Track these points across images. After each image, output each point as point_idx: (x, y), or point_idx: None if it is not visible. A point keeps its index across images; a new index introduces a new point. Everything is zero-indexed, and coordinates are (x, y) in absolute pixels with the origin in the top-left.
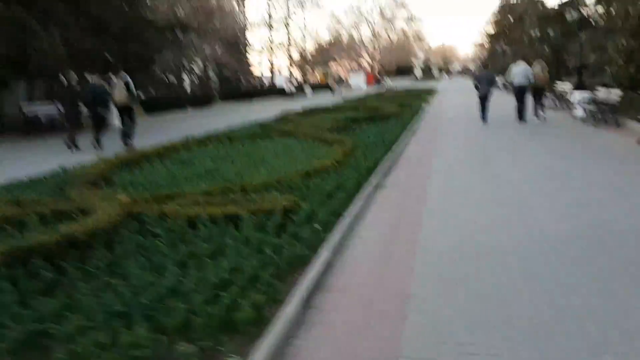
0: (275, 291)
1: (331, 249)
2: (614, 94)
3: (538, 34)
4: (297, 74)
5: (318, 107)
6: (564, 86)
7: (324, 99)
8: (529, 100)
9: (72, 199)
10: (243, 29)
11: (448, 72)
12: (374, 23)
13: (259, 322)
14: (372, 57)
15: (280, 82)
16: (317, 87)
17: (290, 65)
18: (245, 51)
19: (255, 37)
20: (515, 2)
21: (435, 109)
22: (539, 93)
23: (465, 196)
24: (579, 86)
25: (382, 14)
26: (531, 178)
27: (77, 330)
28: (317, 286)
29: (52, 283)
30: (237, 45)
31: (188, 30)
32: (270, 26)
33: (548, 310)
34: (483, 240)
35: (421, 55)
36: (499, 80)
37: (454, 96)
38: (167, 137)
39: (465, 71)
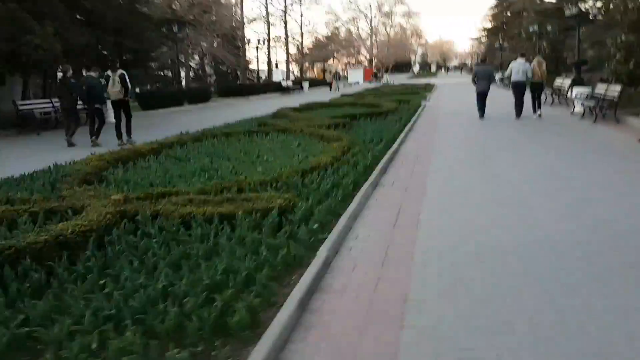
0: (271, 293)
1: (329, 249)
2: (612, 90)
3: (536, 29)
4: (295, 69)
5: (315, 103)
6: (562, 82)
7: (322, 95)
8: (527, 96)
9: (64, 197)
10: (241, 24)
11: (446, 67)
12: (372, 18)
13: (254, 326)
14: (370, 53)
15: (278, 77)
16: (314, 83)
17: (288, 60)
18: (243, 46)
19: (253, 32)
20: None
21: (433, 104)
22: (537, 89)
23: (465, 196)
24: (577, 82)
25: (380, 9)
26: (531, 177)
27: (66, 334)
28: (314, 288)
29: (42, 285)
30: (234, 40)
31: (185, 25)
32: (267, 21)
33: (548, 311)
34: (483, 240)
35: (419, 50)
36: (496, 75)
37: (452, 91)
38: (162, 132)
39: (462, 66)
